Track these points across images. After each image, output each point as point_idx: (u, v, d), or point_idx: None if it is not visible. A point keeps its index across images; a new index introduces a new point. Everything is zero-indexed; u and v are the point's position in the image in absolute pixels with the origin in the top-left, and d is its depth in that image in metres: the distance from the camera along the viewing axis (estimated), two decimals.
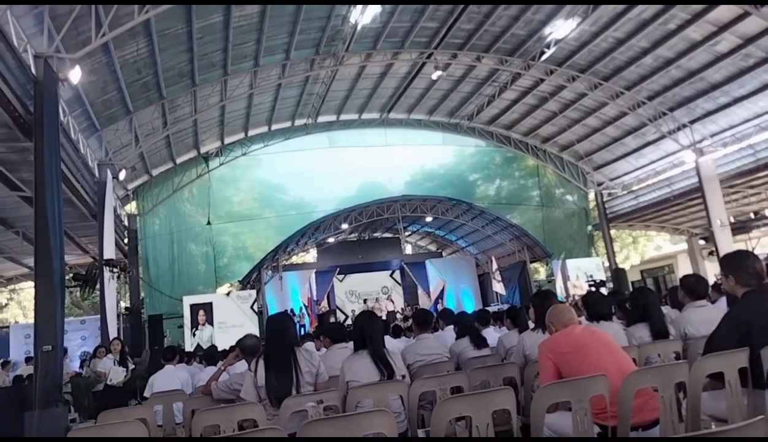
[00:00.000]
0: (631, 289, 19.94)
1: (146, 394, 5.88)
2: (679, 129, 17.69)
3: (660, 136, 18.41)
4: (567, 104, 18.93)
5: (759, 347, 2.63)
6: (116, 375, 8.22)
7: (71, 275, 13.36)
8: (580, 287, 18.96)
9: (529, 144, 22.16)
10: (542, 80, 17.40)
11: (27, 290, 21.68)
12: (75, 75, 9.09)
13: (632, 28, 14.46)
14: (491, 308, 13.18)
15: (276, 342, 3.57)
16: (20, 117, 8.31)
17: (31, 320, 8.29)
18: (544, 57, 15.95)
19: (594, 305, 4.13)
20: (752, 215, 20.11)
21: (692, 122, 17.49)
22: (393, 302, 19.73)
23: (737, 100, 16.00)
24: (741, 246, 17.55)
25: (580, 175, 22.67)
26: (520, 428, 3.11)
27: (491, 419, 2.50)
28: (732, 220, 18.52)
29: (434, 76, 16.60)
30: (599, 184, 22.33)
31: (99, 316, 12.61)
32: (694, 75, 15.70)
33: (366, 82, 18.05)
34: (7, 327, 17.48)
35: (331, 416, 3.02)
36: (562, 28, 14.61)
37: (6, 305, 26.72)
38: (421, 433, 3.46)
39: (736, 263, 2.89)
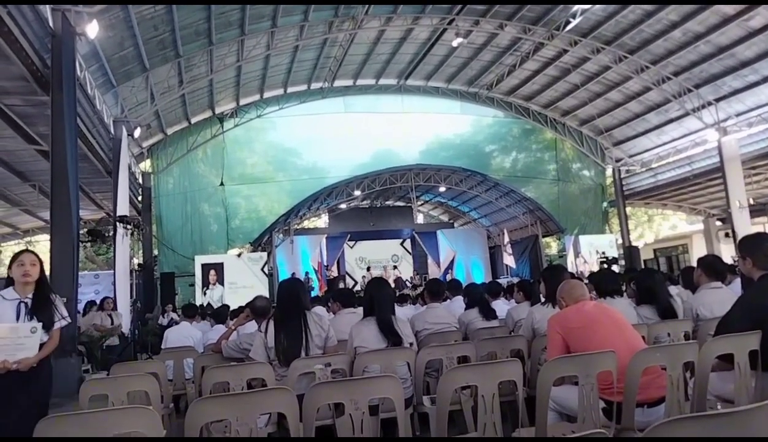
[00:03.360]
0: (643, 267, 19.84)
1: (163, 346, 6.01)
2: (703, 107, 17.23)
3: (683, 113, 17.97)
4: (590, 77, 18.48)
5: None
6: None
7: (85, 229, 13.57)
8: (590, 263, 18.84)
9: (549, 117, 21.77)
10: (566, 51, 16.96)
11: (43, 242, 22.08)
12: (92, 29, 9.03)
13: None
14: (501, 281, 13.19)
15: (288, 305, 3.61)
16: (38, 71, 8.30)
17: (47, 272, 8.44)
18: (569, 27, 15.50)
19: (601, 282, 4.10)
20: None
21: (718, 100, 17.02)
22: (400, 272, 19.71)
23: (767, 79, 15.49)
24: (758, 229, 17.25)
25: (599, 151, 22.31)
26: (525, 400, 3.13)
27: (497, 389, 2.51)
28: (751, 201, 18.17)
29: (455, 43, 16.24)
30: (618, 161, 21.96)
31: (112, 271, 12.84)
32: (723, 51, 15.18)
33: (384, 46, 17.73)
34: None
35: (339, 379, 3.07)
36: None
37: None
38: (426, 400, 3.51)
39: (754, 245, 2.85)
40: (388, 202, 22.70)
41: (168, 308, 13.51)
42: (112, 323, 9.13)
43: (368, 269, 19.52)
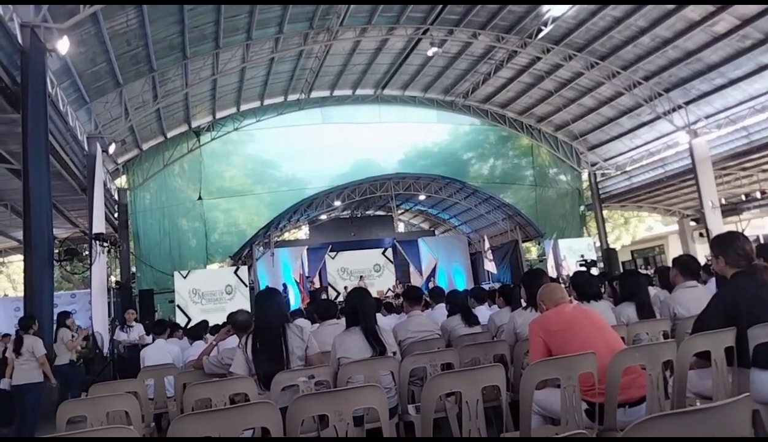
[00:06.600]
0: (621, 269, 20.18)
1: (142, 366, 5.88)
2: (674, 110, 17.66)
3: (655, 116, 18.39)
4: (563, 83, 18.80)
5: (746, 326, 2.66)
6: None
7: (60, 249, 13.25)
8: (565, 267, 19.05)
9: (524, 123, 22.07)
10: (539, 58, 17.23)
11: (16, 263, 21.54)
12: (63, 45, 8.88)
13: (631, 7, 14.26)
14: (483, 287, 13.24)
15: (264, 319, 3.55)
16: (7, 88, 8.14)
17: (21, 293, 8.21)
18: (541, 35, 15.77)
19: (582, 286, 4.17)
20: (743, 197, 20.25)
21: (687, 103, 17.46)
22: (365, 283, 19.34)
23: (733, 82, 15.95)
24: (731, 228, 17.68)
25: (574, 155, 22.67)
26: (509, 404, 3.14)
27: (481, 395, 2.52)
28: (723, 201, 18.64)
29: (430, 53, 16.40)
30: (593, 165, 22.34)
31: (89, 290, 12.56)
32: (691, 55, 15.60)
33: (360, 57, 17.81)
34: None
35: (323, 391, 3.04)
36: (560, 5, 14.41)
37: None
38: (411, 408, 3.50)
39: (726, 244, 2.91)
40: (368, 212, 22.71)
41: (129, 315, 10.24)
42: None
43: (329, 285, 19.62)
